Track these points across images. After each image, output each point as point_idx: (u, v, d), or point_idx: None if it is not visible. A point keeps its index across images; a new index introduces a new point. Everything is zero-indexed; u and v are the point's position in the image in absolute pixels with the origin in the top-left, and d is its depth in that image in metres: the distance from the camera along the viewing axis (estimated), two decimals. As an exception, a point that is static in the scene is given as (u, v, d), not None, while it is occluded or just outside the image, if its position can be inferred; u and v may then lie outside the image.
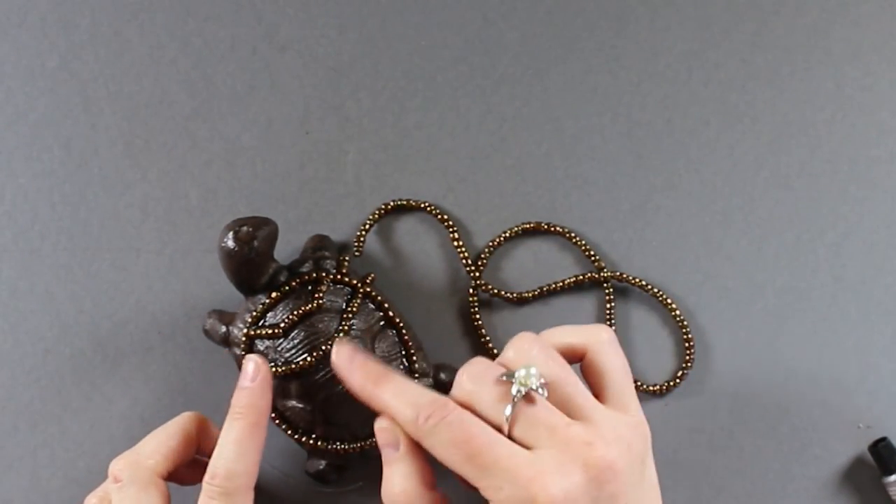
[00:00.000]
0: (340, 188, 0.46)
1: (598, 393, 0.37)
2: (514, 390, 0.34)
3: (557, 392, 0.35)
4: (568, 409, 0.35)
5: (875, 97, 0.47)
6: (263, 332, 0.41)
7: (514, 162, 0.47)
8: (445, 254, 0.46)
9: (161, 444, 0.39)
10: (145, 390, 0.45)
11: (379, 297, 0.43)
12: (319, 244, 0.44)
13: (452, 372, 0.44)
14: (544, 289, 0.46)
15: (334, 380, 0.41)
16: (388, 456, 0.36)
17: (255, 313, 0.41)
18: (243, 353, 0.42)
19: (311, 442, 0.42)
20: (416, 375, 0.42)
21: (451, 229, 0.46)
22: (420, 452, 0.36)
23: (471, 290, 0.46)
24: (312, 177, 0.46)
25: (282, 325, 0.41)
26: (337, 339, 0.39)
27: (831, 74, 0.47)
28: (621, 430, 0.35)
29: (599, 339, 0.38)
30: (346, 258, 0.43)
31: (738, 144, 0.47)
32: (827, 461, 0.45)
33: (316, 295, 0.41)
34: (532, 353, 0.36)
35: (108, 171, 0.46)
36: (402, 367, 0.43)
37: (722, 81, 0.47)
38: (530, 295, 0.46)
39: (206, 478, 0.37)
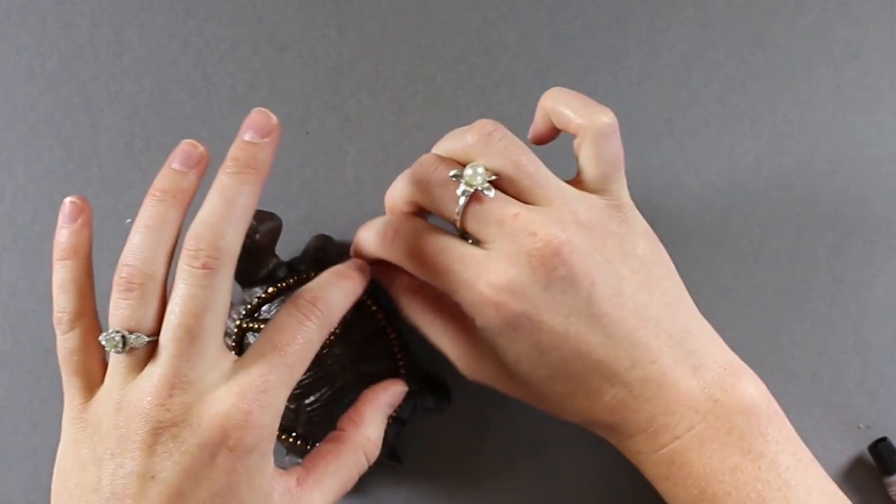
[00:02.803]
0: (340, 188, 0.46)
1: (577, 175, 0.37)
2: (459, 191, 0.34)
3: (512, 184, 0.35)
4: (526, 198, 0.35)
5: (875, 97, 0.47)
6: (256, 325, 0.41)
7: (514, 162, 0.47)
8: (445, 254, 0.46)
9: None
10: (145, 390, 0.45)
11: (369, 302, 0.42)
12: (322, 244, 0.44)
13: (443, 386, 0.44)
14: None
15: (321, 382, 0.41)
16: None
17: (249, 306, 0.41)
18: (234, 343, 0.41)
19: (290, 440, 0.42)
20: (402, 370, 0.42)
21: (451, 229, 0.46)
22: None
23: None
24: (312, 177, 0.46)
25: None
26: None
27: (831, 74, 0.47)
28: (585, 213, 0.34)
29: (594, 127, 0.35)
30: None
31: (738, 144, 0.47)
32: (827, 461, 0.45)
33: None
34: (487, 145, 0.35)
35: (108, 171, 0.46)
36: (392, 371, 0.42)
37: (722, 81, 0.47)
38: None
39: None
